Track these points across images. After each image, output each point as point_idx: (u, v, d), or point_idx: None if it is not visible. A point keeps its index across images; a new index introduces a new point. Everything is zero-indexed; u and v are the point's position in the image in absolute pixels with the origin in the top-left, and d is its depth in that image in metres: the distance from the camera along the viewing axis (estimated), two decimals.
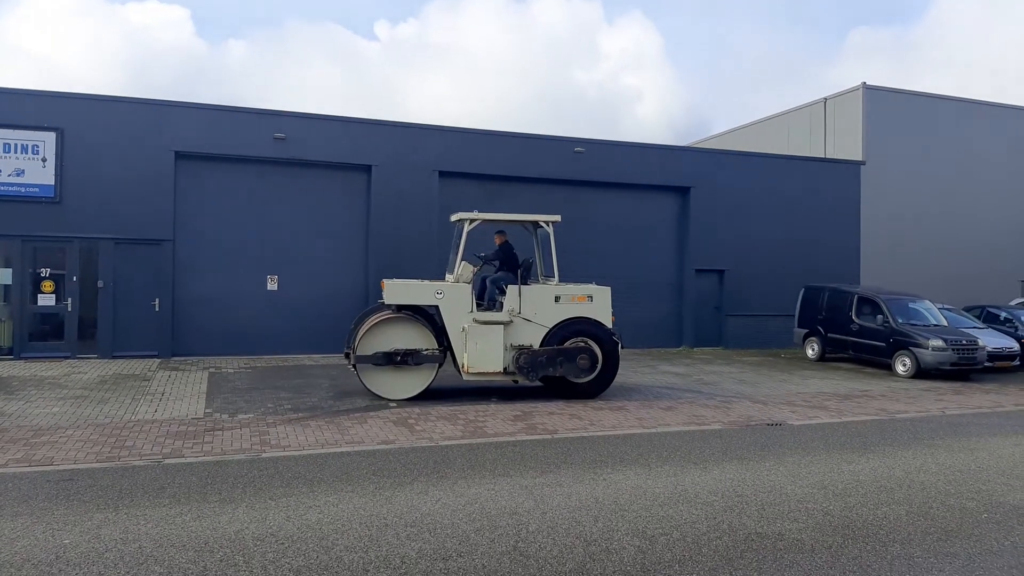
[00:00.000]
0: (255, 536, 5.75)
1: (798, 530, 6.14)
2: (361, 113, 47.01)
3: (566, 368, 11.92)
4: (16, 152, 15.52)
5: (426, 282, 12.49)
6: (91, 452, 8.33)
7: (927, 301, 18.50)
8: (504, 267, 12.64)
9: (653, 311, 20.68)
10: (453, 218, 13.00)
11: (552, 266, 12.62)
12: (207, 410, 10.79)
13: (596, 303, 12.37)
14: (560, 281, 12.62)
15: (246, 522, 6.06)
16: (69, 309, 15.80)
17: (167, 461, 8.05)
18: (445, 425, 10.09)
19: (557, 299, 12.19)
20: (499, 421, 10.43)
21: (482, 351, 11.74)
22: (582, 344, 12.13)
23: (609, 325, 12.39)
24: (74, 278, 15.85)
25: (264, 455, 8.40)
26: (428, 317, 12.09)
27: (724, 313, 21.32)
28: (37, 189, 15.63)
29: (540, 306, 12.10)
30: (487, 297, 12.44)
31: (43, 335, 15.85)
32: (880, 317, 17.45)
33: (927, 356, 16.12)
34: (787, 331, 20.60)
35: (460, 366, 11.88)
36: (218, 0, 72.41)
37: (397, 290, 11.95)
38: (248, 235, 17.19)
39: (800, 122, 27.44)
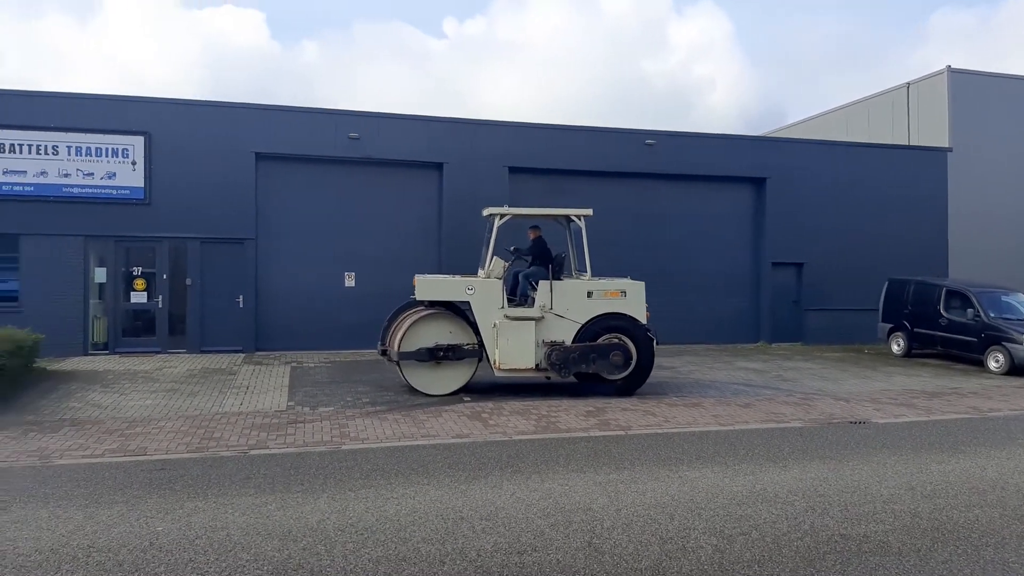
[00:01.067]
0: (336, 526, 5.91)
1: (884, 532, 5.95)
2: (431, 111, 47.58)
3: (599, 364, 11.75)
4: (107, 156, 16.30)
5: (457, 277, 12.45)
6: (182, 443, 8.72)
7: (1021, 294, 17.57)
8: (537, 262, 12.52)
9: (728, 306, 20.27)
10: (485, 213, 12.92)
11: (585, 261, 12.43)
12: (289, 403, 11.14)
13: (630, 298, 12.13)
14: (594, 276, 12.43)
15: (327, 512, 6.24)
16: (160, 306, 16.54)
17: (252, 452, 8.36)
18: (518, 420, 10.15)
19: (589, 294, 12.01)
20: (572, 416, 10.43)
21: (513, 347, 11.65)
22: (616, 340, 11.93)
23: (644, 321, 12.13)
24: (164, 276, 16.57)
25: (344, 447, 8.63)
26: (462, 313, 12.09)
27: (803, 307, 20.71)
28: (128, 191, 16.39)
29: (572, 301, 11.93)
30: (519, 292, 12.33)
31: (136, 331, 16.63)
32: (970, 311, 16.68)
33: (1022, 352, 15.33)
34: (870, 326, 19.86)
35: (492, 362, 11.77)
36: (291, 3, 74.33)
37: (429, 286, 11.95)
38: (326, 233, 17.61)
39: (881, 109, 26.42)
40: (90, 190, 16.15)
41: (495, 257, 12.11)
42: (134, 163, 16.41)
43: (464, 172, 18.23)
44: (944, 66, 23.85)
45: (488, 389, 12.32)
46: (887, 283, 19.11)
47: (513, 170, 18.63)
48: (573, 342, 11.79)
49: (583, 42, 67.79)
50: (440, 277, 12.45)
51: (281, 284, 17.32)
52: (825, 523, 6.13)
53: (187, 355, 16.17)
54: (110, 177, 16.30)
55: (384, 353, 11.95)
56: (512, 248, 12.72)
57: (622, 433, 9.54)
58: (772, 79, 75.11)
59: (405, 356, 11.50)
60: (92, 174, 16.18)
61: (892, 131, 25.59)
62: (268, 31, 72.11)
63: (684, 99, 63.80)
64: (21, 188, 15.83)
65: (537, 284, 12.06)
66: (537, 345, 11.71)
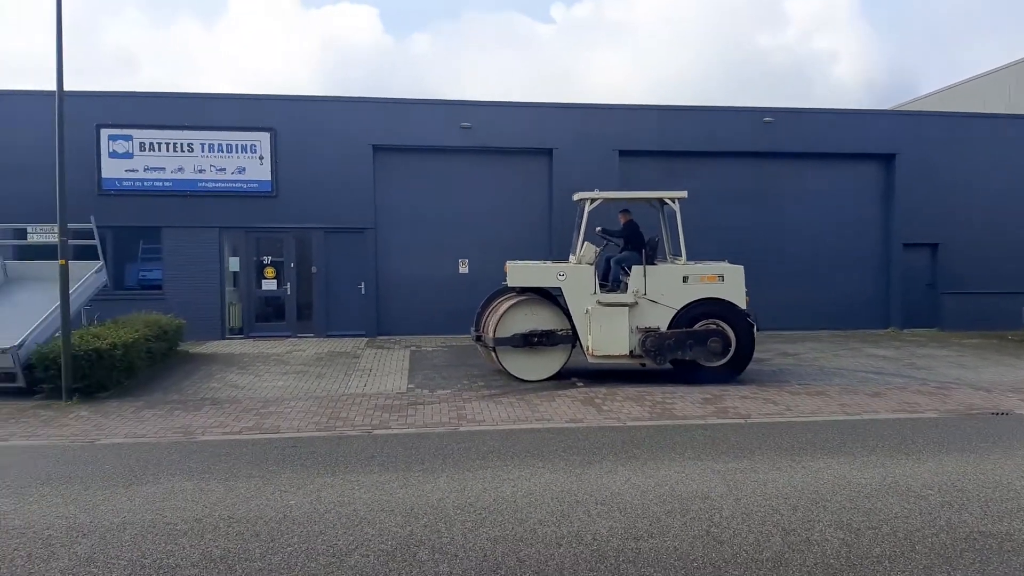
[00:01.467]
0: (455, 505, 6.09)
1: None
2: (541, 97, 47.52)
3: (696, 351, 11.43)
4: (237, 152, 17.28)
5: (549, 263, 12.34)
6: (311, 422, 9.19)
7: None
8: (629, 246, 12.23)
9: (854, 290, 19.29)
10: (575, 197, 12.69)
11: (679, 244, 12.07)
12: (409, 385, 11.52)
13: (728, 283, 11.71)
14: (691, 260, 12.10)
15: (447, 491, 6.43)
16: (288, 293, 17.45)
17: (376, 432, 8.71)
18: (632, 406, 10.09)
19: (685, 279, 11.67)
20: (688, 403, 10.26)
21: (607, 333, 11.45)
22: (713, 326, 11.59)
23: (743, 306, 11.70)
24: (291, 265, 17.45)
25: (461, 429, 8.85)
26: (553, 299, 11.98)
27: (938, 291, 19.43)
28: (256, 185, 17.32)
29: (667, 287, 11.63)
30: (611, 278, 12.08)
31: (267, 316, 17.62)
32: None
33: None
34: (1014, 311, 18.43)
35: (585, 348, 11.64)
36: None
37: (520, 272, 11.91)
38: (440, 221, 18.00)
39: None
40: (223, 184, 17.18)
41: (586, 242, 11.96)
42: (261, 158, 17.32)
43: (574, 157, 18.16)
44: None
45: (596, 375, 12.25)
46: None
47: (623, 153, 18.39)
48: (668, 328, 11.54)
49: (694, 18, 65.82)
50: (532, 263, 12.43)
51: (399, 271, 17.86)
52: (963, 519, 5.78)
53: (314, 339, 16.98)
54: (240, 172, 17.26)
55: (479, 339, 12.03)
56: (599, 229, 12.50)
57: (741, 421, 9.30)
58: (901, 48, 70.38)
59: (501, 342, 11.52)
60: (224, 169, 17.20)
61: None
62: (381, 25, 74.08)
63: (804, 74, 60.84)
64: (161, 184, 17.02)
65: (630, 269, 11.85)
66: (631, 331, 11.51)
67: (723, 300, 11.68)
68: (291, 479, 6.81)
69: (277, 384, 11.74)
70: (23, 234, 14.81)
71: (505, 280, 12.21)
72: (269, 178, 17.30)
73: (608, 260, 12.35)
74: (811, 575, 4.84)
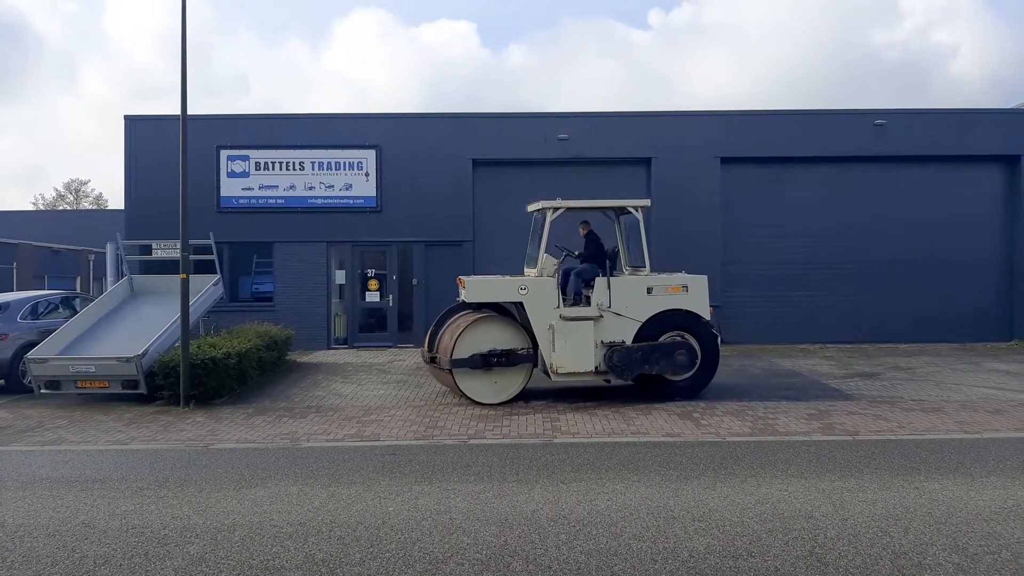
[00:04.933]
0: (549, 517, 6.10)
1: None
2: (639, 104, 47.16)
3: (663, 365, 10.91)
4: (344, 169, 17.97)
5: (508, 277, 11.74)
6: (409, 431, 9.42)
7: None
8: (589, 258, 11.70)
9: (974, 300, 18.14)
10: (531, 208, 12.15)
11: (643, 255, 11.51)
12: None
13: (692, 294, 11.18)
14: (652, 271, 11.56)
15: (541, 503, 6.45)
16: (390, 304, 17.98)
17: (472, 441, 8.83)
18: (732, 420, 9.83)
19: (649, 290, 11.13)
20: (792, 419, 9.91)
21: (571, 349, 10.92)
22: (679, 338, 11.08)
23: (707, 317, 11.16)
24: (393, 277, 17.99)
25: (556, 440, 8.86)
26: (512, 316, 11.49)
27: None
28: (362, 200, 17.96)
29: (631, 299, 11.09)
30: (570, 291, 11.45)
31: (370, 327, 18.21)
32: None
33: None
34: None
35: (548, 366, 11.05)
36: (500, 8, 77.07)
37: (479, 287, 11.38)
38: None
39: None
40: (331, 200, 17.92)
41: (546, 255, 11.41)
42: (367, 174, 17.95)
43: (673, 165, 17.93)
44: None
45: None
46: None
47: (725, 160, 18.03)
48: (633, 342, 11.05)
49: (800, 16, 63.73)
50: (491, 277, 11.93)
51: None
52: None
53: (414, 349, 17.37)
54: (347, 188, 17.95)
55: (433, 360, 11.28)
56: (567, 251, 11.86)
57: (848, 438, 8.90)
58: None
59: (458, 363, 10.77)
60: (332, 186, 17.93)
61: None
62: (478, 39, 75.50)
63: (919, 71, 57.85)
64: (274, 201, 17.91)
65: (591, 281, 11.32)
66: (596, 346, 11.03)
67: (688, 311, 11.21)
68: (390, 486, 7.00)
69: (378, 393, 12.08)
70: (148, 250, 15.90)
71: (460, 296, 11.78)
72: (374, 194, 17.91)
73: (568, 273, 11.71)
74: None
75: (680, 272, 12.06)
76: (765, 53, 62.04)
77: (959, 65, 60.20)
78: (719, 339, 11.61)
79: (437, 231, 17.92)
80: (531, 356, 11.13)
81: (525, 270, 12.35)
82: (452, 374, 10.92)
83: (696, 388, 11.40)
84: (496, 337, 11.07)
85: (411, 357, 16.17)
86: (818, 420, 9.81)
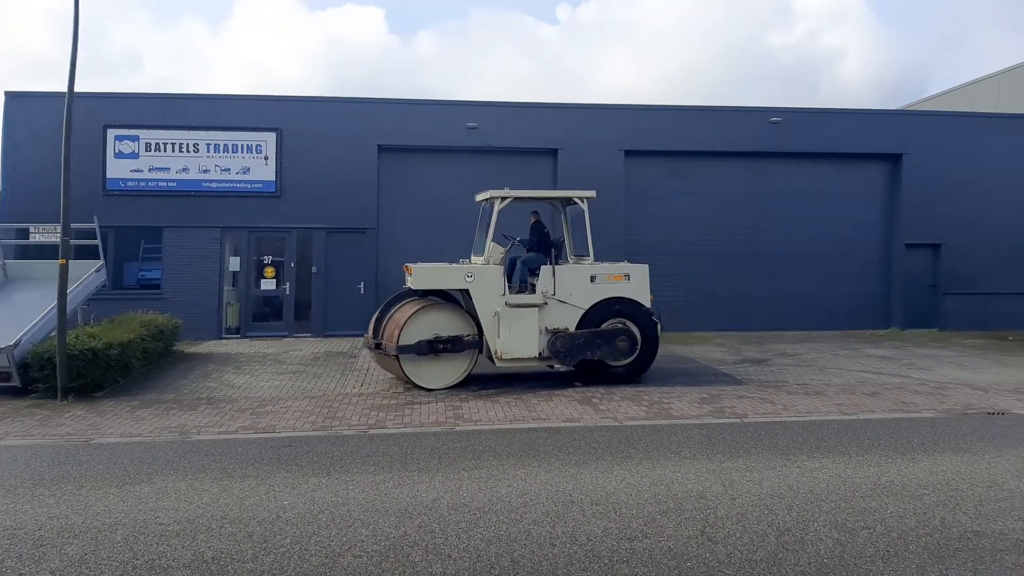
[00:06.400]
0: (450, 505, 6.07)
1: (1022, 530, 5.52)
2: (547, 97, 47.57)
3: (604, 351, 11.33)
4: (242, 152, 17.30)
5: (454, 265, 11.95)
6: (307, 422, 9.19)
7: None
8: (535, 247, 12.04)
9: (857, 290, 19.24)
10: (479, 197, 12.41)
11: (587, 244, 11.93)
12: (406, 385, 11.50)
13: (633, 282, 11.63)
14: (596, 260, 11.98)
15: (441, 491, 6.41)
16: (287, 292, 17.46)
17: (372, 431, 8.70)
18: (629, 405, 10.07)
19: (593, 279, 11.54)
20: (685, 403, 10.24)
21: (516, 336, 11.18)
22: (620, 325, 11.49)
23: (648, 305, 11.65)
24: (291, 264, 17.46)
25: (457, 428, 8.84)
26: (457, 302, 11.70)
27: (940, 291, 19.39)
28: (261, 185, 17.34)
29: (575, 287, 11.46)
30: (516, 279, 11.77)
31: (265, 316, 17.64)
32: None
33: None
34: (1017, 312, 18.39)
35: (493, 352, 11.27)
36: None
37: (426, 274, 11.49)
38: (444, 221, 17.94)
39: None
40: (227, 184, 17.22)
41: (493, 243, 11.64)
42: (266, 158, 17.34)
43: (579, 157, 18.14)
44: None
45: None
46: None
47: (629, 153, 18.39)
48: (576, 328, 11.40)
49: (701, 17, 65.68)
50: (438, 265, 12.02)
51: (400, 272, 17.77)
52: (957, 519, 5.75)
53: (312, 339, 16.98)
54: (245, 172, 17.29)
55: (378, 347, 11.31)
56: (509, 235, 12.07)
57: (737, 421, 9.28)
58: (912, 46, 70.12)
59: (405, 350, 10.89)
60: (229, 169, 17.24)
61: None
62: (387, 26, 74.18)
63: (811, 72, 60.70)
64: (165, 184, 17.06)
65: (537, 270, 11.61)
66: (540, 333, 11.32)
67: (629, 299, 11.60)
68: (285, 479, 6.81)
69: (273, 384, 11.74)
70: (25, 234, 14.86)
71: (406, 283, 11.86)
72: (273, 178, 17.33)
73: (514, 261, 11.95)
74: (805, 575, 4.82)
75: (622, 261, 12.33)
76: (667, 51, 63.68)
77: (848, 67, 63.51)
78: (659, 326, 11.89)
79: (339, 217, 17.51)
80: (476, 342, 11.27)
81: (472, 258, 12.46)
82: (398, 360, 10.98)
83: (635, 373, 11.71)
84: (442, 324, 11.19)
85: (309, 347, 15.80)
86: (710, 404, 10.17)
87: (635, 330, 11.59)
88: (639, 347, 11.59)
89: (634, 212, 18.40)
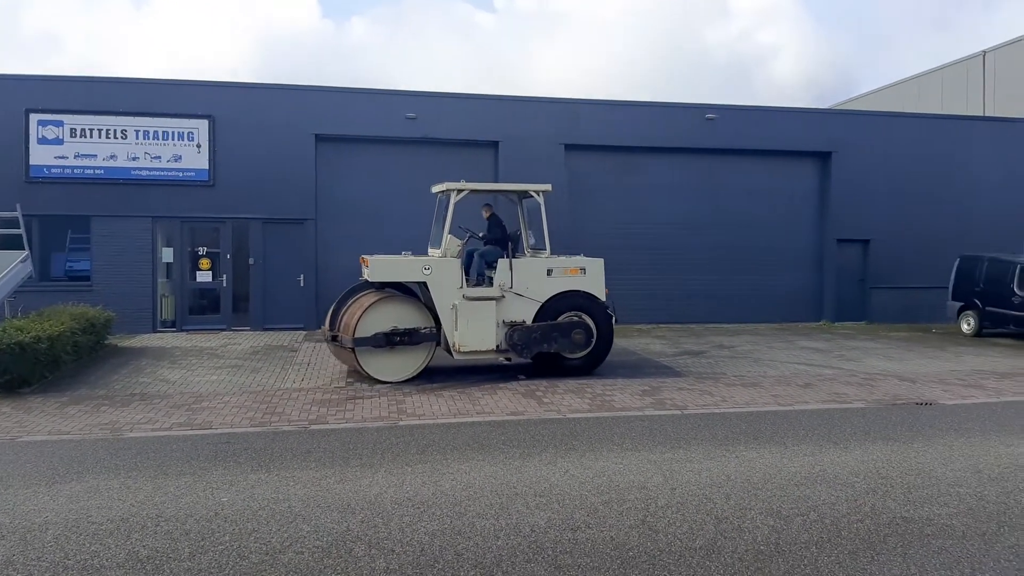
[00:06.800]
0: (393, 500, 6.03)
1: (948, 515, 5.78)
2: (485, 87, 47.44)
3: (561, 344, 11.50)
4: (174, 139, 16.77)
5: (412, 257, 11.97)
6: (246, 417, 8.99)
7: None
8: (492, 240, 12.15)
9: (790, 284, 19.81)
10: (435, 189, 12.47)
11: (544, 238, 12.12)
12: (348, 380, 11.37)
13: (589, 275, 11.86)
14: (552, 253, 12.18)
15: (385, 486, 6.36)
16: (224, 285, 17.02)
17: (313, 427, 8.57)
18: (572, 398, 10.16)
19: (549, 272, 11.70)
20: (627, 395, 10.39)
21: (474, 328, 11.23)
22: (576, 318, 11.70)
23: (603, 298, 11.89)
24: (228, 256, 17.02)
25: (401, 423, 8.78)
26: (414, 295, 11.76)
27: (869, 285, 20.12)
28: (193, 173, 16.84)
29: (532, 280, 11.59)
30: (474, 272, 11.85)
31: (201, 309, 17.17)
32: None
33: None
34: (939, 305, 19.18)
35: (451, 345, 11.29)
36: None
37: (383, 267, 11.45)
38: (383, 213, 17.76)
39: (956, 78, 25.31)
40: (157, 173, 16.66)
41: (450, 236, 11.71)
42: (199, 146, 16.84)
43: (520, 150, 18.15)
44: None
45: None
46: (958, 260, 18.39)
47: (569, 147, 18.49)
48: (533, 321, 11.53)
49: (641, 12, 66.44)
50: (395, 257, 11.99)
51: (340, 263, 17.54)
52: (887, 505, 5.99)
53: (250, 332, 16.62)
54: (176, 160, 16.77)
55: (335, 339, 11.29)
56: (471, 232, 12.16)
57: (678, 412, 9.46)
58: (842, 46, 72.23)
59: (361, 342, 10.82)
60: (159, 157, 16.68)
61: (967, 102, 24.50)
62: (319, 10, 72.80)
63: (747, 69, 62.04)
64: (92, 171, 16.42)
65: (495, 263, 11.70)
66: (497, 325, 11.40)
67: (585, 292, 11.78)
68: (223, 476, 6.65)
69: (210, 379, 11.45)
70: None
71: (362, 275, 11.78)
72: (207, 166, 16.85)
73: (471, 254, 12.01)
74: (742, 561, 4.95)
75: (579, 255, 12.40)
76: (605, 45, 64.19)
77: (780, 65, 65.11)
78: (613, 319, 12.03)
79: (277, 208, 17.14)
80: (434, 335, 11.28)
81: (429, 250, 12.39)
82: (355, 353, 10.90)
83: (591, 366, 11.84)
84: (399, 316, 11.16)
85: (247, 340, 15.46)
86: (651, 396, 10.34)
87: (591, 323, 11.73)
88: (595, 340, 11.74)
89: (576, 206, 18.53)
